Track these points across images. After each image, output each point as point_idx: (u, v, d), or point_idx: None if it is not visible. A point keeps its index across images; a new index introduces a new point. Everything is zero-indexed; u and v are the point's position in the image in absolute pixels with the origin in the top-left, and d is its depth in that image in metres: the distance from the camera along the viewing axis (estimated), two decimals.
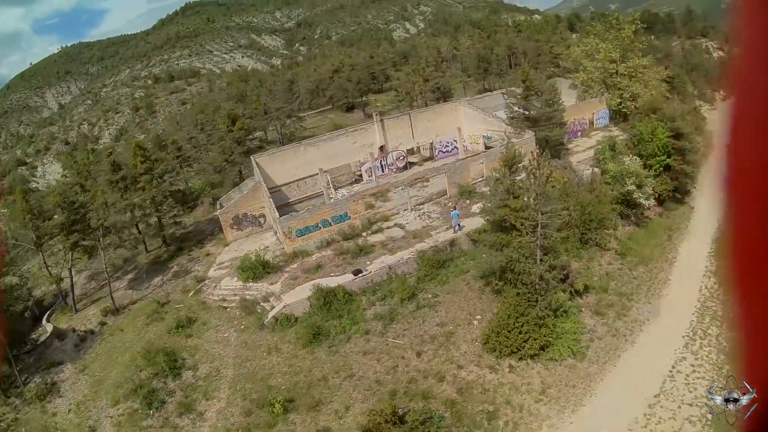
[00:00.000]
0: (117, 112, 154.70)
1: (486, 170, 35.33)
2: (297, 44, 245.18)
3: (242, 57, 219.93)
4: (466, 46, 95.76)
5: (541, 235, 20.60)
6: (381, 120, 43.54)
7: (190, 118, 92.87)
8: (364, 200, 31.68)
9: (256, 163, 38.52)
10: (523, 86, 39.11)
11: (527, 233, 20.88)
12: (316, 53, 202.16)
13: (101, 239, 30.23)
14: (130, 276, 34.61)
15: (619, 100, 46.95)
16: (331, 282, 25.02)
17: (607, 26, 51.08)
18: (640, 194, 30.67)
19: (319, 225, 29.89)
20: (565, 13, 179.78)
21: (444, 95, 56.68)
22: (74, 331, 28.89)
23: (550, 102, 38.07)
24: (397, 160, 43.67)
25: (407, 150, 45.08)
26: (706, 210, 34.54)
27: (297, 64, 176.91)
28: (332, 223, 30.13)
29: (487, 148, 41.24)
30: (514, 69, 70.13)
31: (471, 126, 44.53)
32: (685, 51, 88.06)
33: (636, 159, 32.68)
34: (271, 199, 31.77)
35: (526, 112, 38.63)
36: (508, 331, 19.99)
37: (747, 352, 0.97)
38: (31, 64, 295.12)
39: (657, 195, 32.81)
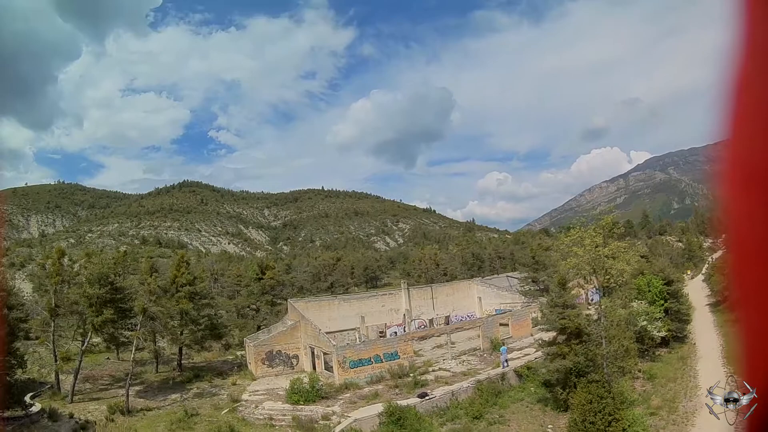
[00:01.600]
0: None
1: (512, 329, 38.44)
2: (281, 243, 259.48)
3: (228, 243, 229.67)
4: (455, 251, 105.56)
5: (605, 325, 23.70)
6: (407, 288, 47.24)
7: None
8: (412, 341, 33.37)
9: (293, 306, 40.28)
10: (533, 261, 45.22)
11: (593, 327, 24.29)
12: (299, 253, 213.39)
13: (139, 327, 29.58)
14: (137, 387, 32.95)
15: (607, 277, 53.99)
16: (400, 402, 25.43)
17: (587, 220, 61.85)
18: (652, 327, 34.07)
19: (372, 359, 30.89)
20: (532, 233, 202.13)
21: (451, 279, 61.88)
22: (71, 416, 26.53)
23: (556, 272, 43.56)
24: (418, 328, 46.02)
25: (427, 320, 47.83)
26: (707, 344, 38.32)
27: (281, 259, 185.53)
28: (383, 360, 31.15)
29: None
30: (503, 269, 78.20)
31: (485, 300, 48.54)
32: (649, 245, 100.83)
33: (641, 302, 36.93)
34: (323, 332, 33.01)
35: (536, 284, 43.75)
36: (594, 414, 20.90)
37: (747, 353, 0.98)
38: (26, 184, 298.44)
39: (662, 336, 36.26)
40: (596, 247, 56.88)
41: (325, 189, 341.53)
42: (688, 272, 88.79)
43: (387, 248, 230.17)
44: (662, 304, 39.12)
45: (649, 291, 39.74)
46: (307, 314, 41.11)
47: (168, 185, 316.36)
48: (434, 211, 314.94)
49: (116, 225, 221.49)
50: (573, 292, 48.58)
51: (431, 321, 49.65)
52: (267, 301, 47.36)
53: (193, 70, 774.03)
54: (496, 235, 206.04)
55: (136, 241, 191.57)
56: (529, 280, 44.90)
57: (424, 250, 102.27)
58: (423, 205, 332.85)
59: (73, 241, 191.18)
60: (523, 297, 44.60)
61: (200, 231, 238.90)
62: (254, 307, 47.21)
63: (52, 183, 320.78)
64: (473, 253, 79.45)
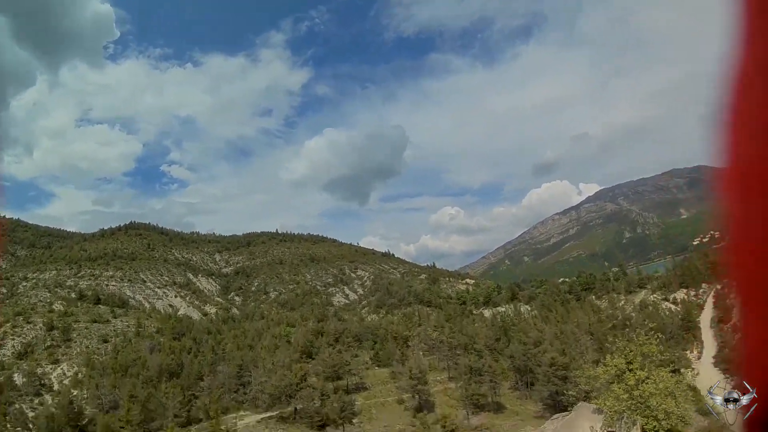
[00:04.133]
0: (29, 321, 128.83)
1: None
2: (233, 293, 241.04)
3: (175, 296, 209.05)
4: (435, 335, 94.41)
5: None
6: None
7: (110, 378, 75.50)
8: None
9: None
10: None
11: None
12: (252, 308, 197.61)
13: None
14: None
15: (654, 423, 43.50)
16: None
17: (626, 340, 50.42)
18: None
19: None
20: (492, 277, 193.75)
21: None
22: None
23: None
24: None
25: None
26: None
27: (233, 318, 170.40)
28: None
29: None
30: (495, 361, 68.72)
31: None
32: (645, 314, 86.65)
33: None
34: None
35: None
36: None
37: (749, 355, 0.98)
38: None
39: None
40: (640, 383, 46.08)
41: (280, 232, 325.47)
42: (694, 351, 70.11)
43: (347, 301, 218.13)
44: None
45: None
46: None
47: (113, 227, 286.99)
48: (393, 255, 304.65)
49: (54, 272, 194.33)
50: None
51: None
52: None
53: (149, 104, 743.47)
54: (463, 287, 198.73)
55: (73, 295, 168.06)
56: None
57: (387, 327, 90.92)
58: (380, 245, 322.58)
59: (5, 290, 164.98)
60: None
61: (145, 282, 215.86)
62: None
63: None
64: (471, 368, 67.80)
